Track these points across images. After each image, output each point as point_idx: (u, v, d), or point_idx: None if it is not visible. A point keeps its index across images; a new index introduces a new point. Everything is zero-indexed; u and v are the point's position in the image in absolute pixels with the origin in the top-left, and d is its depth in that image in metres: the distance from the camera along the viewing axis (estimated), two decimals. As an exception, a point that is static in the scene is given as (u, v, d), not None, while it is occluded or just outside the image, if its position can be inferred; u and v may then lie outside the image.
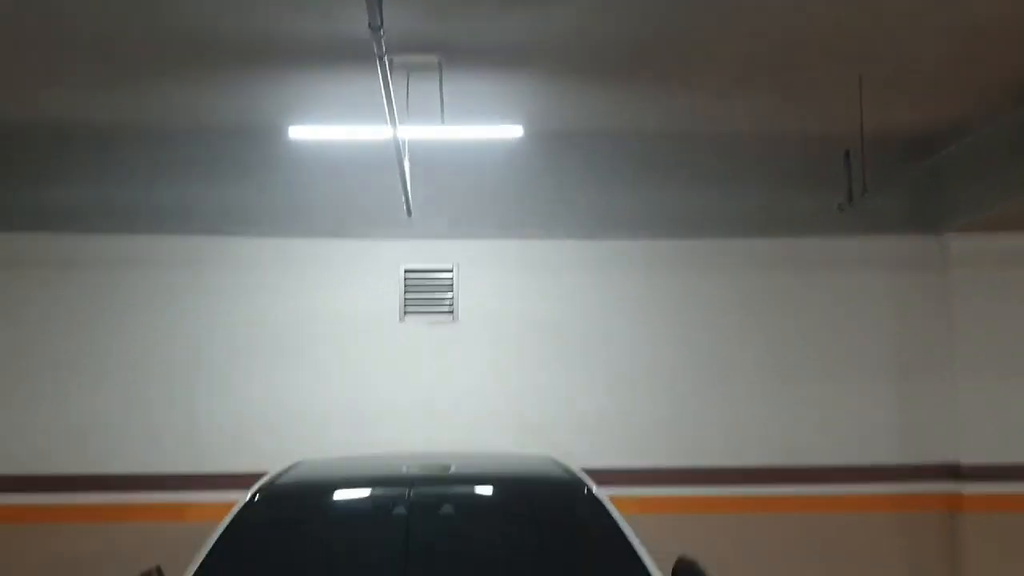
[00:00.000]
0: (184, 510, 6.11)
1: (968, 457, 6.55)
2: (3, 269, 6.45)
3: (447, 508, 3.46)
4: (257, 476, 3.83)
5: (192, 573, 3.08)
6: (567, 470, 3.83)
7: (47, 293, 6.44)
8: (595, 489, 3.62)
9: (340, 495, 3.61)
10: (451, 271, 6.59)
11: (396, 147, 4.95)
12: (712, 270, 6.69)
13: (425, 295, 6.58)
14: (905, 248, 6.76)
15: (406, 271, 6.57)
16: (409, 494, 3.51)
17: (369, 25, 3.53)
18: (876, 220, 6.63)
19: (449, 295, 6.58)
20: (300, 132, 5.61)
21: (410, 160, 5.40)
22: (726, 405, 6.59)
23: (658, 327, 6.64)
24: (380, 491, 3.60)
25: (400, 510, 3.41)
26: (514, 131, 5.60)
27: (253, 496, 3.51)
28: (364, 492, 3.63)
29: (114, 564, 6.05)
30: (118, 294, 6.46)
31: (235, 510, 3.42)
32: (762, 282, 6.71)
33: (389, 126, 4.63)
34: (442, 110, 5.24)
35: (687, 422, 6.55)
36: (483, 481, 3.74)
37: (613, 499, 3.59)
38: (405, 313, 6.55)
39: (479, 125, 5.74)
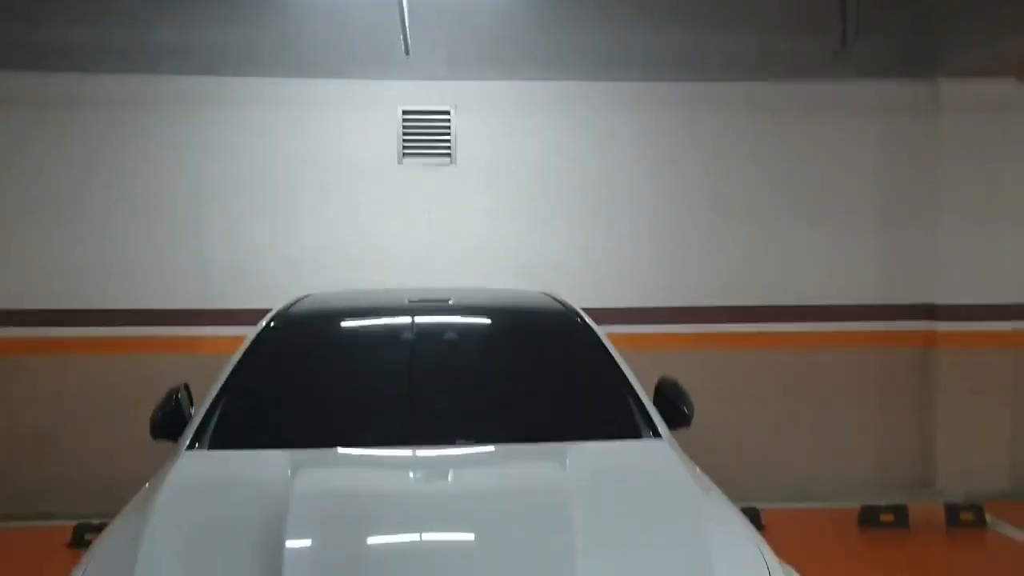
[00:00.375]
0: (195, 343, 6.40)
1: (944, 298, 6.84)
2: (1, 107, 6.51)
3: (449, 333, 3.72)
4: (262, 312, 4.05)
5: (218, 389, 3.35)
6: (561, 302, 4.08)
7: (46, 132, 6.49)
8: (587, 319, 3.87)
9: (350, 322, 3.86)
10: (449, 113, 6.66)
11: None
12: (706, 113, 6.78)
13: (423, 138, 6.67)
14: (896, 92, 6.83)
15: (404, 112, 6.63)
16: (413, 320, 3.76)
17: None
18: (869, 64, 6.67)
19: (447, 138, 6.68)
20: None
21: (408, -1, 5.40)
22: (715, 246, 6.80)
23: (652, 170, 6.78)
24: (387, 318, 3.85)
25: (406, 334, 3.67)
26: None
27: (269, 323, 3.75)
28: (372, 319, 3.87)
29: (131, 393, 6.40)
30: (119, 134, 6.52)
31: (253, 334, 3.67)
32: (753, 125, 6.81)
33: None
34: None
35: (678, 262, 6.78)
36: (481, 309, 3.99)
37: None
38: (403, 155, 6.65)
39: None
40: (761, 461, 6.69)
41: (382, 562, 2.42)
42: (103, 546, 2.53)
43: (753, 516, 5.79)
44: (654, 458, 3.08)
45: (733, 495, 2.95)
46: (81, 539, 5.43)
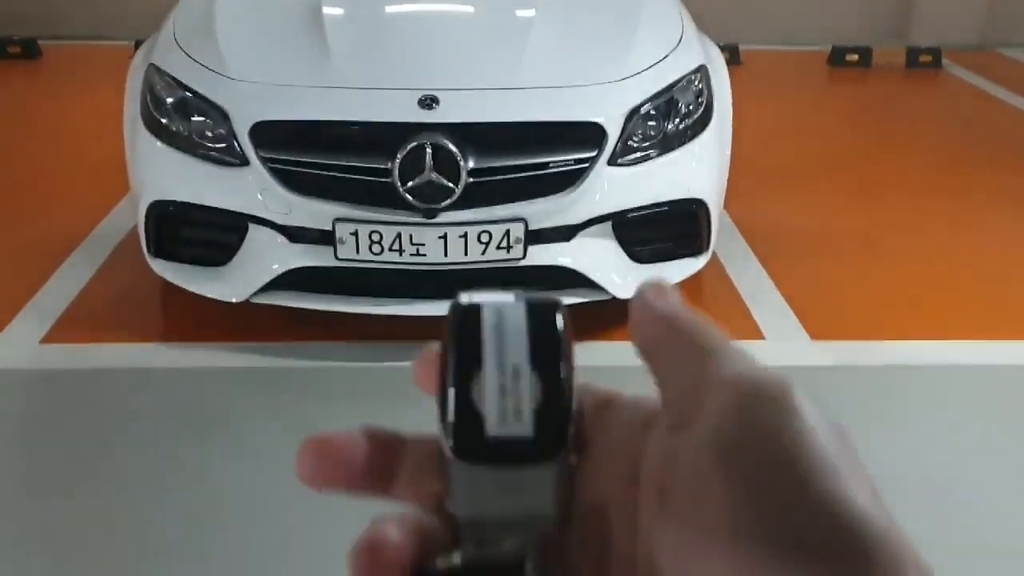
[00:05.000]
0: None
1: None
2: None
3: None
4: None
5: None
6: None
7: None
8: None
9: None
10: None
11: None
12: None
13: None
14: None
15: None
16: None
17: None
18: None
19: None
20: None
21: None
22: None
23: None
24: None
25: None
26: None
27: None
28: None
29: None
30: None
31: None
32: None
33: None
34: None
35: None
36: None
37: None
38: None
39: None
40: (748, 4, 7.25)
41: (398, 21, 3.20)
42: (182, 7, 3.30)
43: (733, 51, 6.52)
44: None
45: (717, 34, 3.54)
46: (142, 52, 6.26)
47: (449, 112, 2.67)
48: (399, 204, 2.68)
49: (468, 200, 2.68)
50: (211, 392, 2.77)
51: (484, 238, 2.72)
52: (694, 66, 2.97)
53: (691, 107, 2.93)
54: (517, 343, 0.37)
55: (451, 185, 2.65)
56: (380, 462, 0.39)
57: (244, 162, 2.72)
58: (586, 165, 2.75)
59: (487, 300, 0.39)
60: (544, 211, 2.74)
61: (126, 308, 3.17)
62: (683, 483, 0.34)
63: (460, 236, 2.71)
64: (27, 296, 3.20)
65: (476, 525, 0.37)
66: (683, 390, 0.36)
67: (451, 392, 0.37)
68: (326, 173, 2.70)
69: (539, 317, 0.38)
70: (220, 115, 2.75)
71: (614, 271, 2.87)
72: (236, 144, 2.72)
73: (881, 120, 5.68)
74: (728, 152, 3.08)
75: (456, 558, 0.37)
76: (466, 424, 0.36)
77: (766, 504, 0.31)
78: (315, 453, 0.38)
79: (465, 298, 0.39)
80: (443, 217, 2.69)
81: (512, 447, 0.36)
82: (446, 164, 2.64)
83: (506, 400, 0.36)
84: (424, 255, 2.73)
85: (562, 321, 0.38)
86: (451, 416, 0.36)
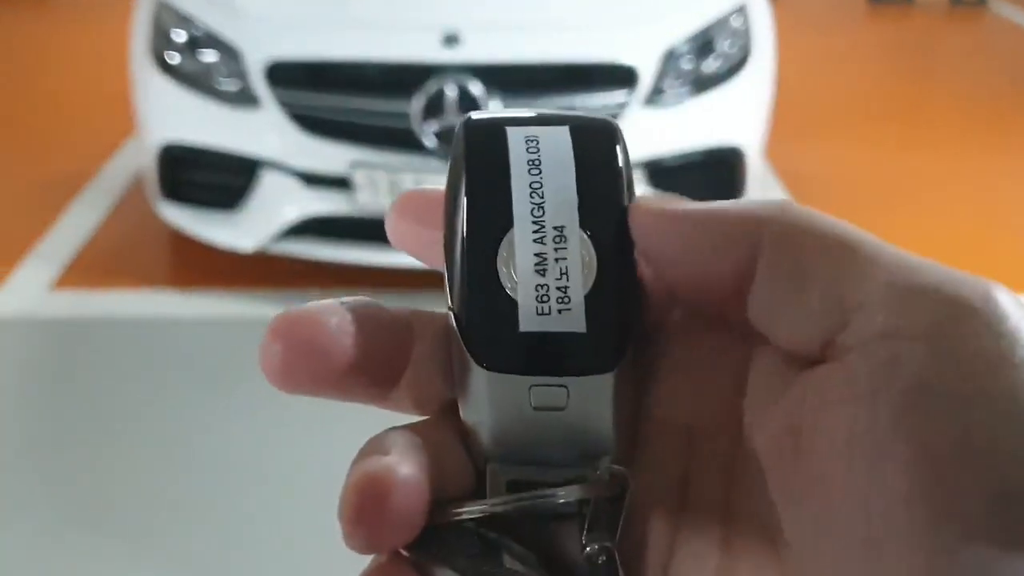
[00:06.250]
0: None
1: None
2: None
3: None
4: None
5: None
6: None
7: None
8: None
9: None
10: None
11: None
12: None
13: None
14: None
15: None
16: None
17: None
18: None
19: None
20: None
21: None
22: None
23: None
24: None
25: None
26: None
27: None
28: None
29: None
30: None
31: None
32: None
33: None
34: None
35: None
36: None
37: None
38: None
39: None
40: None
41: None
42: None
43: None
44: None
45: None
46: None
47: (473, 51, 2.52)
48: (419, 148, 2.55)
49: (491, 145, 2.54)
50: (225, 342, 2.67)
51: (508, 185, 2.59)
52: (734, 4, 2.80)
53: (729, 49, 2.76)
54: (560, 189, 0.26)
55: (474, 129, 2.51)
56: (380, 354, 0.28)
57: (257, 102, 2.59)
58: (617, 111, 2.59)
59: (512, 120, 0.27)
60: (572, 157, 2.60)
61: (139, 252, 3.07)
62: (834, 450, 0.23)
63: (483, 182, 2.58)
64: (35, 240, 3.11)
65: (504, 453, 0.26)
66: (810, 308, 0.24)
67: (463, 265, 0.26)
68: (343, 118, 2.56)
69: (591, 148, 0.26)
70: (232, 53, 2.61)
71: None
72: (249, 83, 2.59)
73: (923, 61, 5.45)
74: (769, 98, 2.91)
75: (486, 506, 0.26)
76: (488, 314, 0.25)
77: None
78: (288, 338, 0.27)
79: (479, 116, 0.28)
80: (465, 162, 2.56)
81: (556, 348, 0.25)
82: (468, 107, 2.50)
83: (546, 277, 0.25)
84: (445, 202, 2.60)
85: (623, 155, 0.27)
86: (466, 302, 0.26)
